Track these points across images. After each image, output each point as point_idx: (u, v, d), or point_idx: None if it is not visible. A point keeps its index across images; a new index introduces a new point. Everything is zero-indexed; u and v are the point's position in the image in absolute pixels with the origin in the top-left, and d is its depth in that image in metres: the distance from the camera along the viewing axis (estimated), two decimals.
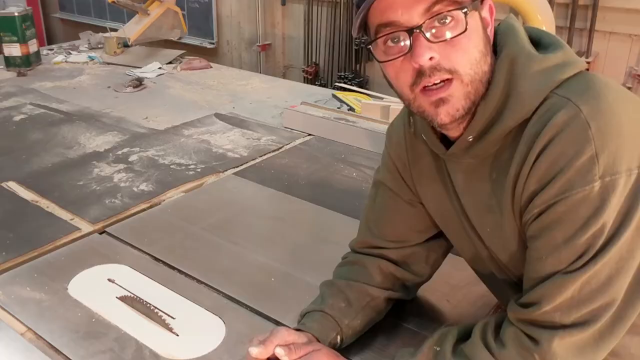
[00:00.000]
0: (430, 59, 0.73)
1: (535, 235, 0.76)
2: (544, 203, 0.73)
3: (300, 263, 1.24)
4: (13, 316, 1.07)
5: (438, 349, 0.84)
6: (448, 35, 0.74)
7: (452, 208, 0.92)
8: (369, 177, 1.62)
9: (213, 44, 4.52)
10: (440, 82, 0.75)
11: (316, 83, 4.01)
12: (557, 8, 2.89)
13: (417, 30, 0.73)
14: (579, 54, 2.94)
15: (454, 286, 1.15)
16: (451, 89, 0.75)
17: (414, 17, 0.73)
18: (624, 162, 0.70)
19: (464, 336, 0.85)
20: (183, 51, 3.11)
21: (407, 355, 0.86)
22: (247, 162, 1.77)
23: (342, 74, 3.91)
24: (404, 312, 1.08)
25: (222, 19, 4.51)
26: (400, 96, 0.81)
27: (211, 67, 2.90)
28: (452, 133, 0.83)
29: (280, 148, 1.88)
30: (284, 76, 4.24)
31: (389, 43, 0.76)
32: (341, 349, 0.96)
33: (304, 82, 3.72)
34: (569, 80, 0.75)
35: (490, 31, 0.80)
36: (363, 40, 0.90)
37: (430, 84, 0.75)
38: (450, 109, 0.76)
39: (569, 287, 0.73)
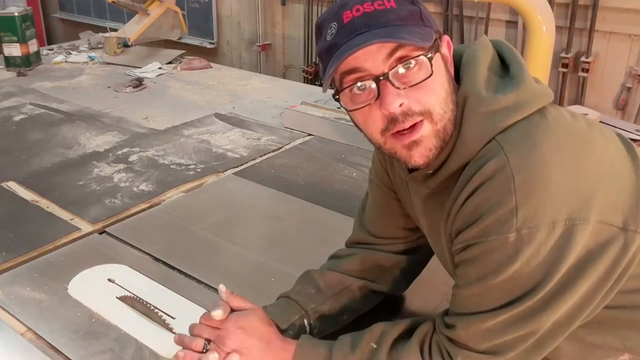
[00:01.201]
0: (400, 105, 0.73)
1: (457, 265, 0.79)
2: (464, 242, 0.76)
3: (300, 263, 1.24)
4: (13, 316, 1.07)
5: (375, 346, 0.84)
6: (415, 80, 0.73)
7: (418, 219, 0.95)
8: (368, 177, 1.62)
9: (213, 44, 4.52)
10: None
11: (316, 83, 4.01)
12: (557, 8, 2.89)
13: (383, 78, 0.73)
14: (579, 54, 2.95)
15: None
16: (422, 130, 0.75)
17: (378, 63, 0.73)
18: (546, 215, 0.69)
19: (409, 331, 0.86)
20: (183, 51, 3.11)
21: (347, 348, 0.85)
22: (247, 162, 1.77)
23: None
24: (404, 312, 1.08)
25: (222, 19, 4.51)
26: (370, 140, 0.81)
27: (211, 67, 2.90)
28: None
29: (280, 148, 1.88)
30: (284, 76, 4.24)
31: (355, 90, 0.76)
32: (316, 335, 0.96)
33: (304, 82, 3.72)
34: (515, 125, 0.74)
35: (450, 65, 0.80)
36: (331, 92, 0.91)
37: (402, 129, 0.75)
38: (423, 150, 0.76)
39: (482, 322, 0.76)
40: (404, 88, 0.73)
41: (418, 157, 0.77)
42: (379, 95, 0.74)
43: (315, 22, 0.82)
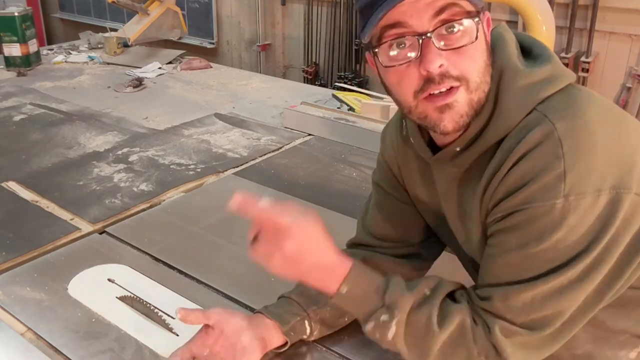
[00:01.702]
0: (440, 66, 0.72)
1: (492, 235, 0.78)
2: (506, 210, 0.74)
3: None
4: (13, 316, 1.07)
5: (428, 293, 0.81)
6: (458, 43, 0.72)
7: (437, 210, 0.93)
8: (368, 177, 1.61)
9: (213, 44, 4.52)
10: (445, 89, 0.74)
11: (316, 83, 4.01)
12: (557, 8, 2.89)
13: (427, 36, 0.71)
14: (579, 54, 2.95)
15: None
16: (456, 95, 0.74)
17: (424, 21, 0.71)
18: (592, 183, 0.69)
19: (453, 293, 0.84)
20: (183, 51, 3.11)
21: (403, 285, 0.82)
22: (247, 162, 1.77)
23: (342, 74, 3.91)
24: None
25: (222, 19, 4.51)
26: (399, 102, 0.79)
27: (211, 67, 2.90)
28: (442, 140, 0.83)
29: (280, 148, 1.88)
30: (284, 76, 4.24)
31: (394, 47, 0.74)
32: (314, 336, 0.96)
33: (304, 82, 3.72)
34: (552, 96, 0.75)
35: (488, 42, 0.79)
36: (363, 45, 0.88)
37: (437, 92, 0.74)
38: (454, 115, 0.75)
39: (520, 294, 0.74)
40: (446, 50, 0.72)
41: (448, 120, 0.75)
42: (419, 53, 0.72)
43: None
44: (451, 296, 0.82)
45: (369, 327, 0.82)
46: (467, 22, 0.72)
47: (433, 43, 0.72)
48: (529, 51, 0.81)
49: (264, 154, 1.83)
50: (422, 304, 0.80)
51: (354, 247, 1.06)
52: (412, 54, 0.73)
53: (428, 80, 0.73)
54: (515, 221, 0.73)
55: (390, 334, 0.79)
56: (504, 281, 0.76)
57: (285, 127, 2.06)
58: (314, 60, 4.11)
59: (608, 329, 0.82)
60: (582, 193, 0.69)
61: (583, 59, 2.90)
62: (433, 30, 0.72)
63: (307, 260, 0.79)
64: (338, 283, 0.81)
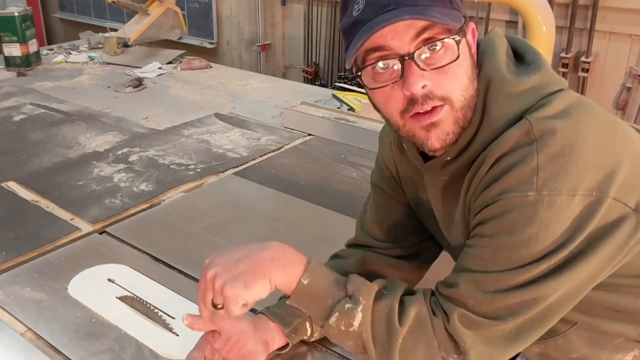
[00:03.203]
0: (423, 87, 0.72)
1: (472, 228, 0.78)
2: (483, 203, 0.75)
3: None
4: (13, 316, 1.07)
5: (386, 293, 0.81)
6: (440, 63, 0.73)
7: (432, 212, 0.93)
8: (368, 177, 1.60)
9: (213, 44, 4.52)
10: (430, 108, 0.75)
11: (316, 83, 4.01)
12: (557, 8, 2.89)
13: (409, 58, 0.72)
14: (579, 54, 2.95)
15: None
16: (441, 114, 0.74)
17: (405, 42, 0.72)
18: (568, 182, 0.69)
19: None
20: (183, 51, 3.11)
21: (362, 279, 0.82)
22: (247, 162, 1.77)
23: (342, 74, 3.91)
24: None
25: (222, 19, 4.51)
26: (387, 121, 0.80)
27: (211, 67, 2.90)
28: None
29: (280, 148, 1.88)
30: (284, 76, 4.24)
31: (378, 69, 0.74)
32: (315, 337, 0.96)
33: (304, 82, 3.72)
34: (543, 100, 0.74)
35: (474, 53, 0.79)
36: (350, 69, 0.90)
37: (422, 111, 0.74)
38: (440, 133, 0.75)
39: (485, 283, 0.74)
40: (428, 70, 0.73)
41: (435, 139, 0.76)
42: (402, 75, 0.73)
43: None
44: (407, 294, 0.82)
45: (332, 320, 0.79)
46: (448, 41, 0.73)
47: (415, 64, 0.72)
48: (522, 57, 0.81)
49: (264, 154, 1.83)
50: (382, 296, 0.80)
51: (352, 247, 1.06)
52: (395, 76, 0.74)
53: (412, 101, 0.74)
54: (490, 213, 0.74)
55: (357, 322, 0.78)
56: (472, 269, 0.76)
57: (285, 127, 2.06)
58: (314, 60, 4.11)
59: (603, 332, 0.82)
60: (556, 190, 0.69)
61: (583, 59, 2.90)
62: (414, 51, 0.72)
63: (265, 256, 0.80)
64: (299, 275, 0.80)
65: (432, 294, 0.81)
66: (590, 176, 0.69)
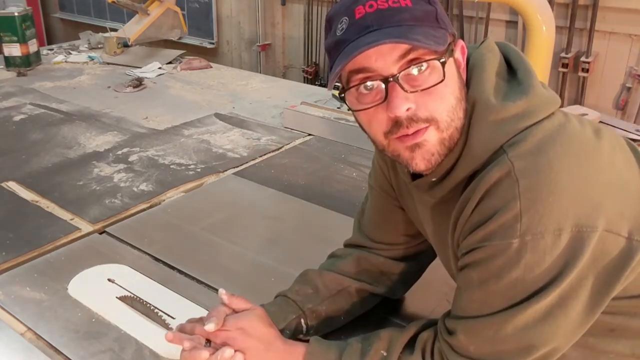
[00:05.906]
0: (407, 109, 0.71)
1: (460, 268, 0.78)
2: (469, 246, 0.74)
3: (300, 263, 1.23)
4: (13, 316, 1.07)
5: (385, 354, 0.82)
6: (425, 84, 0.71)
7: (423, 227, 0.94)
8: None
9: (213, 44, 4.52)
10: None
11: (316, 83, 4.01)
12: (557, 8, 2.89)
13: (393, 80, 0.71)
14: (579, 54, 2.95)
15: (453, 286, 1.14)
16: (426, 135, 0.73)
17: (388, 64, 0.71)
18: (552, 222, 0.67)
19: (413, 340, 0.84)
20: (183, 51, 3.11)
21: (357, 354, 0.84)
22: (247, 162, 1.77)
23: None
24: (403, 311, 1.08)
25: (222, 19, 4.51)
26: (373, 142, 0.79)
27: (211, 67, 2.90)
28: None
29: (280, 148, 1.88)
30: (284, 76, 4.24)
31: (362, 90, 0.73)
32: (310, 335, 0.96)
33: (304, 82, 3.72)
34: (522, 132, 0.72)
35: (463, 71, 0.77)
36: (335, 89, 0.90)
37: (406, 134, 0.73)
38: (425, 153, 0.74)
39: (483, 327, 0.74)
40: (413, 92, 0.71)
41: (420, 159, 0.75)
42: (386, 97, 0.72)
43: (326, 15, 0.78)
44: (409, 342, 0.84)
45: None
46: (434, 63, 0.71)
47: (399, 86, 0.71)
48: (515, 71, 0.79)
49: (264, 154, 1.83)
50: None
51: (350, 248, 1.07)
52: (379, 98, 0.72)
53: (397, 123, 0.73)
54: (476, 257, 0.73)
55: None
56: (468, 315, 0.76)
57: (285, 127, 2.06)
58: (314, 60, 4.11)
59: (599, 351, 0.81)
60: (540, 233, 0.68)
61: (583, 59, 2.90)
62: (398, 73, 0.71)
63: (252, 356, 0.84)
64: None
65: (434, 340, 0.82)
66: (575, 212, 0.68)
